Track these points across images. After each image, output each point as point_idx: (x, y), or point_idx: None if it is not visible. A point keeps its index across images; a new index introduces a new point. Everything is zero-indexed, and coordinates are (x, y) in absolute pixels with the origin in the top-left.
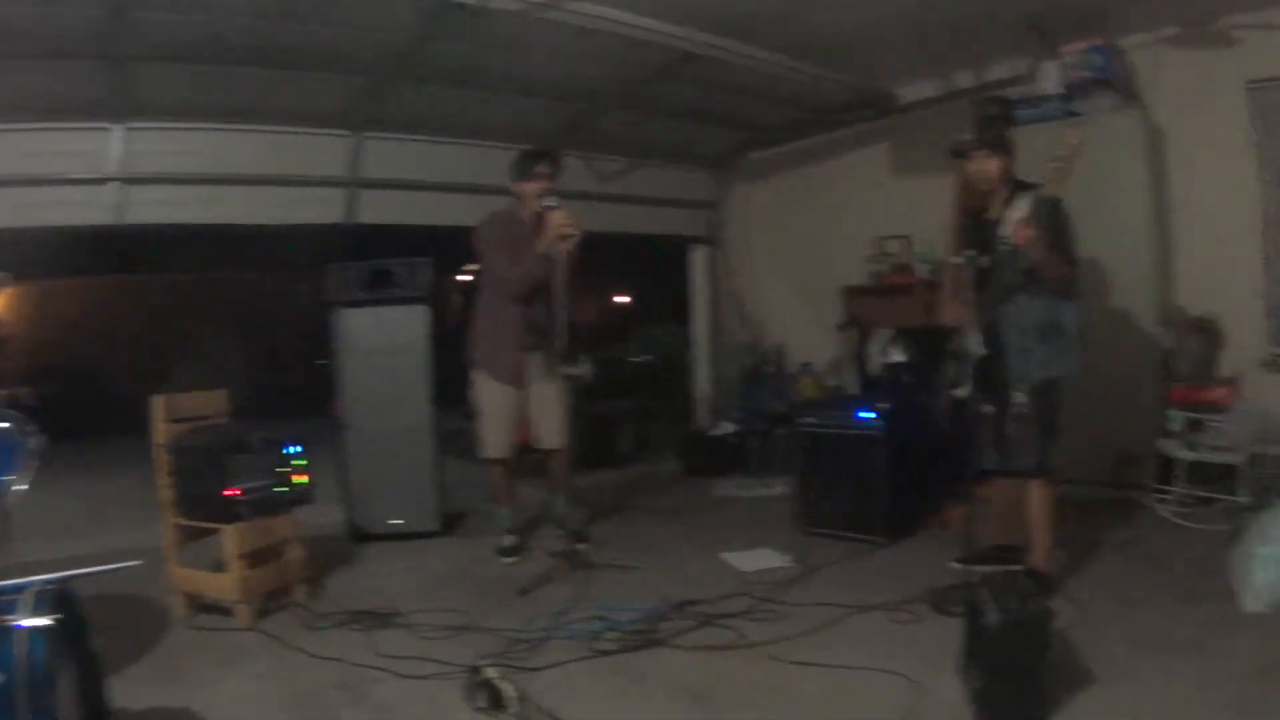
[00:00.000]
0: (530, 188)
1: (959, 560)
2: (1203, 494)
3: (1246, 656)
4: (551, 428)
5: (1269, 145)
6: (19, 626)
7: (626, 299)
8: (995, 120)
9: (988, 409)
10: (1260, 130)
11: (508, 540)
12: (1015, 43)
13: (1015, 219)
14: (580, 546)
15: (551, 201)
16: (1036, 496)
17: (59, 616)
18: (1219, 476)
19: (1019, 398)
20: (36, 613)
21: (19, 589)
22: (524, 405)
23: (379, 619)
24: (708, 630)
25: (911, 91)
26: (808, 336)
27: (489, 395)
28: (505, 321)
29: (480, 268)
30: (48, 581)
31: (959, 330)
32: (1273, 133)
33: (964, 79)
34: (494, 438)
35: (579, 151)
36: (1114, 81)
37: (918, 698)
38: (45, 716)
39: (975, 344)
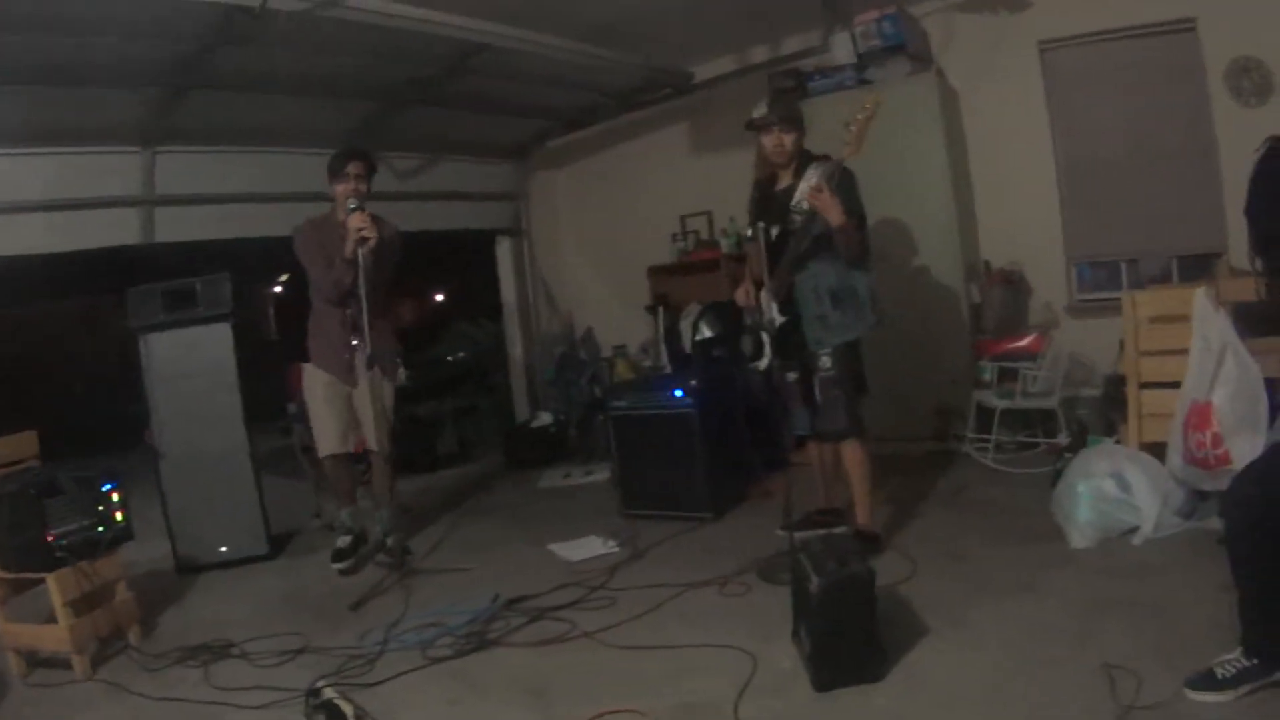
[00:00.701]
0: (341, 189)
1: (784, 528)
2: (1022, 439)
3: (1076, 592)
4: (378, 430)
5: (1060, 102)
6: None
7: (441, 298)
8: (786, 94)
9: (793, 376)
10: (1052, 89)
11: (341, 541)
12: (808, 15)
13: (807, 187)
14: (406, 554)
15: (352, 204)
16: (851, 456)
17: None
18: (1036, 421)
19: (823, 362)
20: None
21: None
22: (353, 404)
23: (214, 652)
24: (541, 625)
25: (707, 69)
26: (619, 319)
27: (319, 389)
28: (332, 319)
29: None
30: None
31: (754, 303)
32: (1063, 90)
33: (759, 54)
34: (327, 432)
35: (377, 151)
36: (907, 48)
37: (754, 668)
38: None
39: (773, 313)
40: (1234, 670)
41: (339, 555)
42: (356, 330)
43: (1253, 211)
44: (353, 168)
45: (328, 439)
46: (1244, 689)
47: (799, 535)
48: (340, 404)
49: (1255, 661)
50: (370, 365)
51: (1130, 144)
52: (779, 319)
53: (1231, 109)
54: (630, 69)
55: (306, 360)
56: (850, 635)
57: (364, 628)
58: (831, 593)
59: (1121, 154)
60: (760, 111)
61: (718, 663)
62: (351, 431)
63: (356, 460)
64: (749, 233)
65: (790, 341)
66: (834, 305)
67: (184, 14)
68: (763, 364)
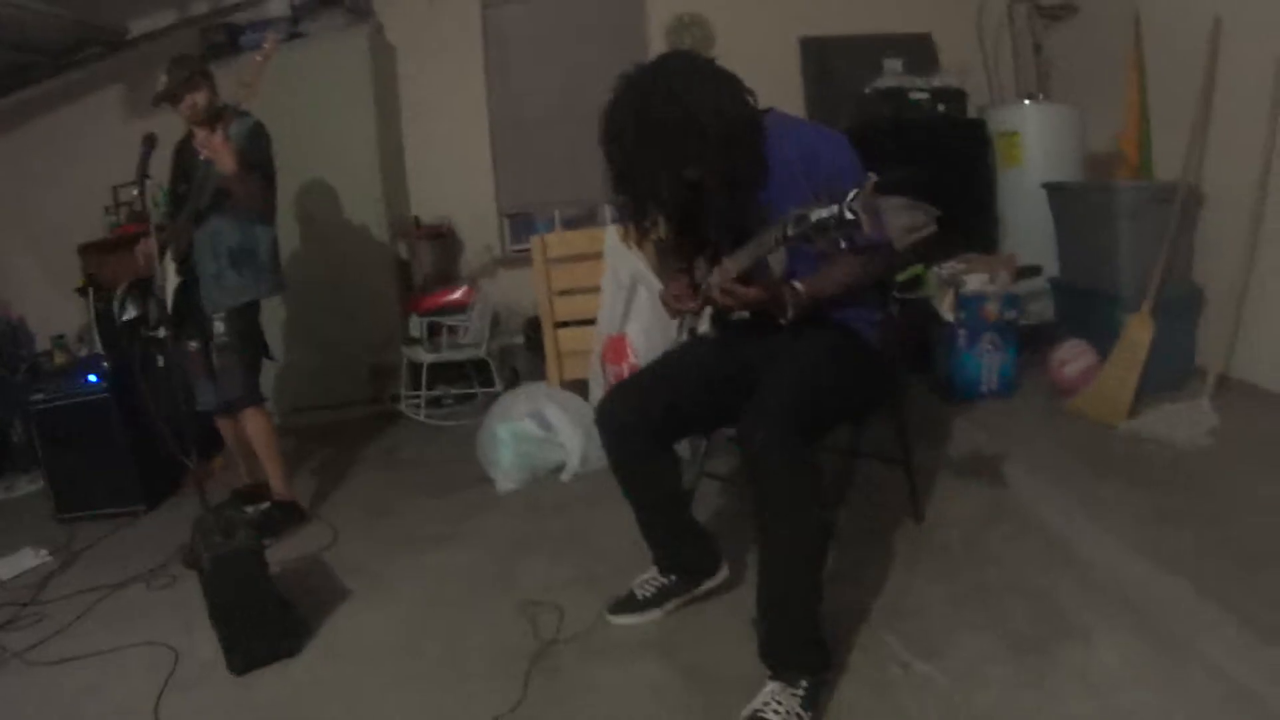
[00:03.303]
0: None
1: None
2: (458, 392)
3: (499, 535)
4: None
5: (497, 60)
6: None
7: None
8: (186, 58)
9: (194, 345)
10: (490, 45)
11: None
12: None
13: (207, 141)
14: None
15: None
16: (253, 426)
17: None
18: (472, 374)
19: (216, 327)
20: None
21: None
22: None
23: None
24: None
25: (145, 24)
26: (54, 306)
27: None
28: None
29: None
30: None
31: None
32: (500, 49)
33: (198, 7)
34: None
35: None
36: (343, 1)
37: (176, 662)
38: None
39: (169, 275)
40: (654, 590)
41: None
42: None
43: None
44: None
45: None
46: (669, 606)
47: (224, 515)
48: None
49: (673, 578)
50: None
51: (567, 101)
52: (175, 280)
53: None
54: (57, 23)
55: None
56: (252, 612)
57: None
58: (220, 570)
59: (557, 111)
60: (161, 83)
61: (142, 662)
62: None
63: None
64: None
65: (189, 306)
66: (231, 265)
67: None
68: (161, 333)
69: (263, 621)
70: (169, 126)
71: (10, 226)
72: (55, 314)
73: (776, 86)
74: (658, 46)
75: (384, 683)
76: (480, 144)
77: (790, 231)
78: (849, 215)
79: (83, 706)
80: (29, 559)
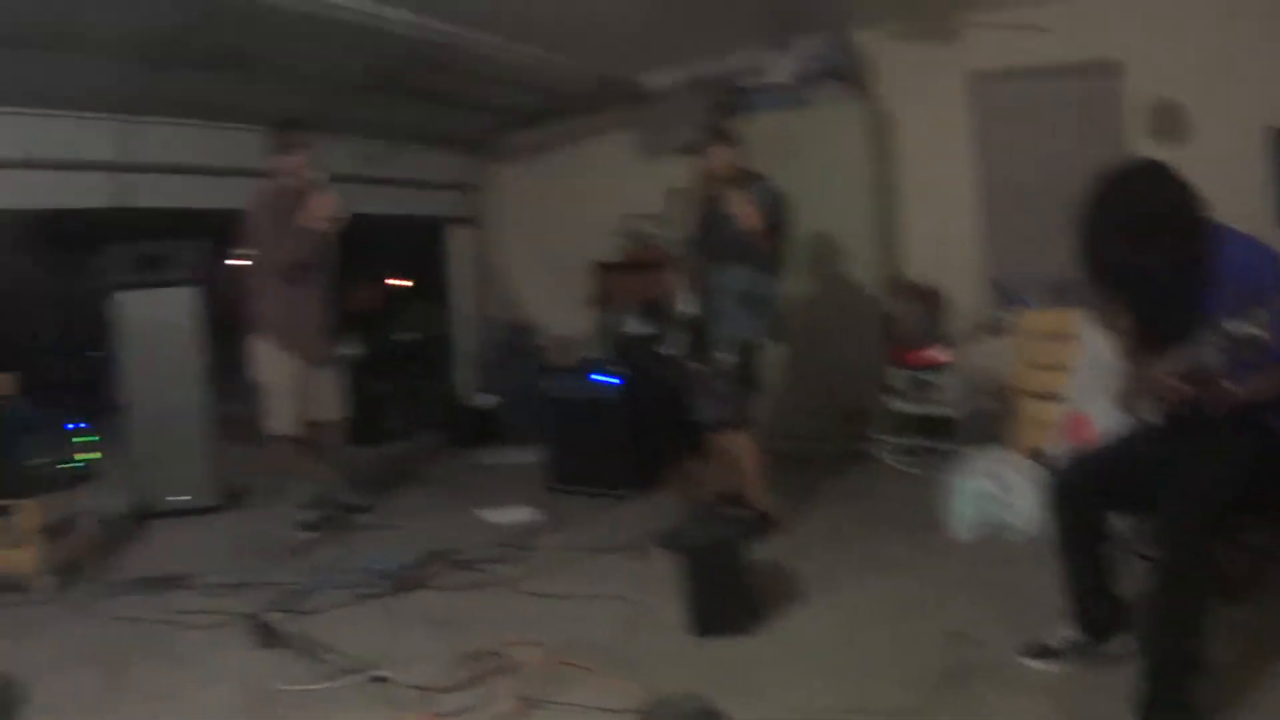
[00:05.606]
0: (290, 161)
1: (690, 506)
2: (928, 444)
3: (943, 573)
4: (330, 400)
5: (987, 133)
6: None
7: (396, 280)
8: (722, 113)
9: (700, 367)
10: (980, 119)
11: (306, 515)
12: (753, 34)
13: (737, 200)
14: (356, 507)
15: (317, 177)
16: (740, 446)
17: None
18: (939, 428)
19: (721, 357)
20: None
21: None
22: (309, 379)
23: (167, 583)
24: (462, 574)
25: (656, 79)
26: (562, 311)
27: (278, 368)
28: (291, 294)
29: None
30: None
31: (676, 297)
32: (990, 120)
33: (703, 68)
34: (284, 412)
35: (338, 135)
36: (842, 71)
37: (640, 616)
38: None
39: (688, 306)
40: (1065, 643)
41: (308, 526)
42: (315, 304)
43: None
44: (297, 138)
45: (283, 419)
46: (1073, 660)
47: (714, 510)
48: (297, 385)
49: (1084, 636)
50: (327, 339)
51: (1048, 174)
52: (692, 313)
53: (1149, 149)
54: (581, 75)
55: (258, 333)
56: (723, 592)
57: (303, 569)
58: (707, 552)
59: (1038, 183)
60: (690, 137)
61: (611, 611)
62: (305, 410)
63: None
64: (680, 238)
65: (702, 336)
66: (740, 306)
67: None
68: (670, 349)
69: (729, 600)
70: (672, 173)
71: (532, 239)
72: (560, 319)
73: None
74: (1136, 129)
75: (811, 667)
76: (969, 211)
77: (1226, 337)
78: (1262, 334)
79: (560, 628)
80: (523, 514)
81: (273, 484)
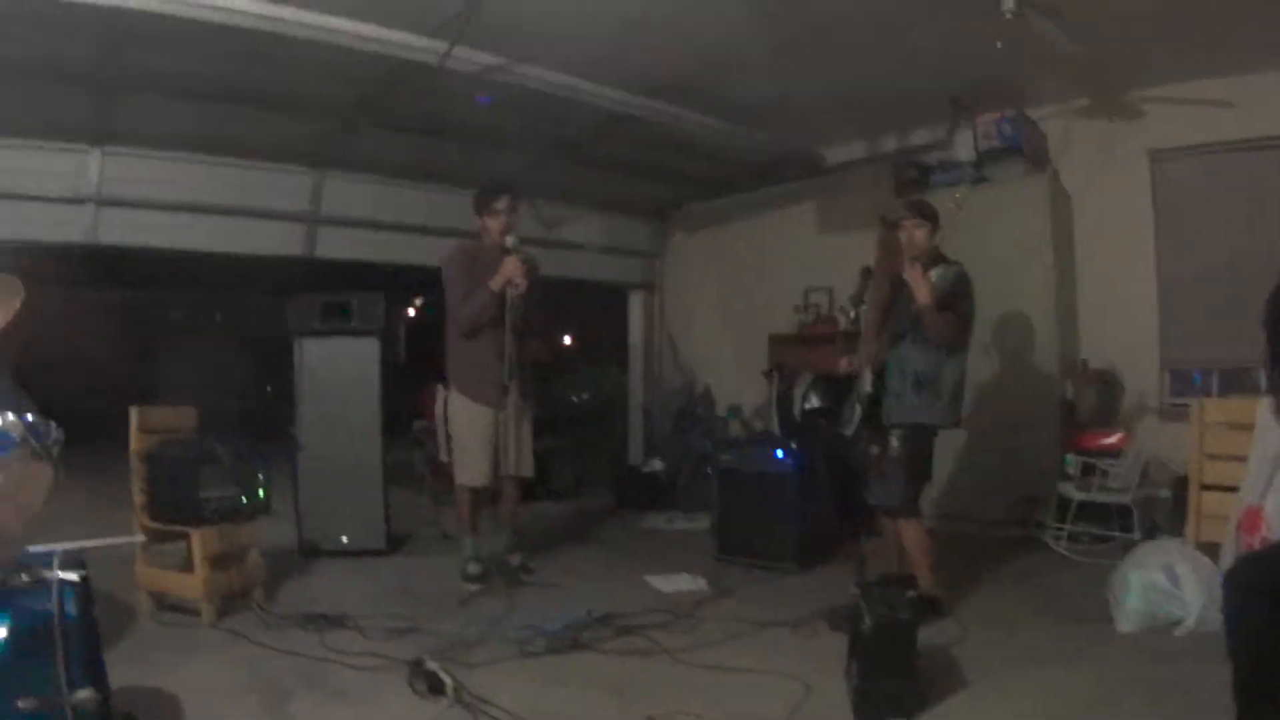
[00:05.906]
0: (491, 223)
1: (857, 585)
2: (1097, 532)
3: (1110, 669)
4: (523, 457)
5: (1168, 211)
6: (55, 578)
7: (570, 340)
8: (916, 189)
9: (873, 449)
10: (1160, 197)
11: (473, 568)
12: (934, 111)
13: (916, 277)
14: (523, 567)
15: (510, 241)
16: (904, 531)
17: (83, 574)
18: (1114, 516)
19: (891, 439)
20: (65, 570)
21: (50, 552)
22: (500, 433)
23: (330, 621)
24: (626, 639)
25: (837, 153)
26: (737, 381)
27: (469, 420)
28: (485, 349)
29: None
30: (69, 549)
31: (856, 375)
32: (1171, 199)
33: (886, 143)
34: (474, 465)
35: (526, 198)
36: (1024, 149)
37: (807, 695)
38: (75, 659)
39: (865, 386)
40: None
41: (473, 579)
42: (506, 360)
43: None
44: (503, 203)
45: (474, 472)
46: None
47: (888, 591)
48: (489, 437)
49: None
50: (521, 395)
51: (1233, 255)
52: (868, 391)
53: None
54: (764, 147)
55: (443, 384)
56: (892, 673)
57: (467, 621)
58: (879, 633)
59: (1223, 265)
60: (898, 209)
61: (776, 687)
62: (496, 464)
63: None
64: (851, 313)
65: (875, 416)
66: (913, 388)
67: (369, 60)
68: (849, 431)
69: (898, 681)
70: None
71: (710, 308)
72: (735, 388)
73: None
74: None
75: None
76: (1147, 293)
77: None
78: None
79: (723, 702)
80: (687, 582)
81: (438, 533)
